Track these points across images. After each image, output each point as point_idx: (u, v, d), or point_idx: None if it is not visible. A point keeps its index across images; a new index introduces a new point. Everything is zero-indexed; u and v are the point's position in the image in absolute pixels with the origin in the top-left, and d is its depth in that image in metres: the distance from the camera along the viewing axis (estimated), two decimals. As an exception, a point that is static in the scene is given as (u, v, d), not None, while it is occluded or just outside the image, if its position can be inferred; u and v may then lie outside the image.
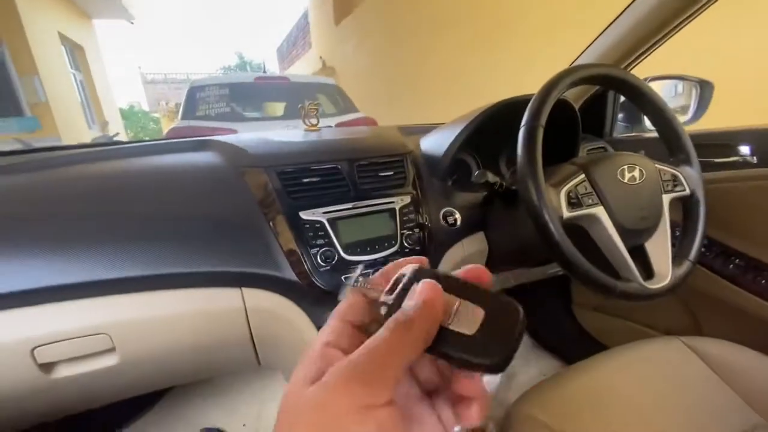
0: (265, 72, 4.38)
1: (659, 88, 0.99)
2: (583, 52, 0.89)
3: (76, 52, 7.37)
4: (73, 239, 0.54)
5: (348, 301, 0.24)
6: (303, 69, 10.15)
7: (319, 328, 0.65)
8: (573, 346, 1.27)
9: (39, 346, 0.54)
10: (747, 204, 0.78)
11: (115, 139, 6.15)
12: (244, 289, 0.61)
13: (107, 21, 8.93)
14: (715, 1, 0.72)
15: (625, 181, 0.60)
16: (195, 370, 0.77)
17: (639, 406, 0.58)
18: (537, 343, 1.38)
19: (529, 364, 1.32)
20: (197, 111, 2.67)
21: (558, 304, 1.28)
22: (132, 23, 8.83)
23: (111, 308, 0.56)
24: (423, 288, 0.21)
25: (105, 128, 7.53)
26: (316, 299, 0.64)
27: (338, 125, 2.70)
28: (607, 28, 0.83)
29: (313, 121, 0.89)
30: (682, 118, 0.95)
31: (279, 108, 3.27)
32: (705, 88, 0.94)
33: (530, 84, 0.65)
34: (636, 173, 0.61)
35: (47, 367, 0.58)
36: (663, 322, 1.00)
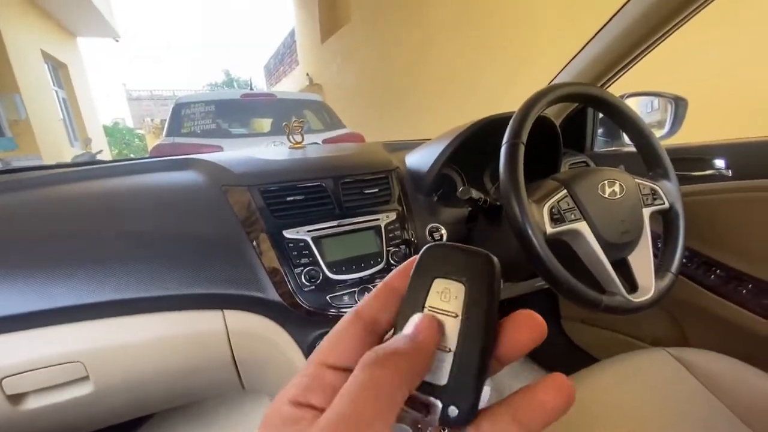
0: (252, 89, 4.40)
1: (636, 104, 1.02)
2: (561, 71, 0.91)
3: (59, 70, 7.30)
4: (45, 263, 0.52)
5: (335, 334, 0.19)
6: (290, 86, 10.22)
7: (304, 349, 0.64)
8: (562, 359, 1.26)
9: (7, 376, 0.52)
10: (725, 216, 0.80)
11: (99, 156, 6.06)
12: (225, 310, 0.60)
13: (92, 39, 8.90)
14: (687, 21, 0.74)
15: (606, 195, 0.61)
16: (174, 396, 0.75)
17: (629, 420, 0.57)
18: (526, 357, 1.38)
19: (519, 378, 1.31)
20: (182, 128, 2.65)
21: (546, 317, 1.27)
22: (117, 41, 8.81)
23: (84, 335, 0.53)
24: (419, 322, 0.17)
25: (88, 145, 7.41)
26: (301, 320, 0.63)
27: (325, 141, 2.71)
28: (584, 47, 0.86)
29: (298, 138, 0.89)
30: (658, 133, 0.97)
31: (266, 124, 3.27)
32: (679, 104, 0.97)
33: (510, 105, 0.66)
34: (616, 188, 0.62)
35: (16, 398, 0.55)
36: (650, 333, 1.01)
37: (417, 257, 0.20)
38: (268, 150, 0.85)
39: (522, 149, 0.56)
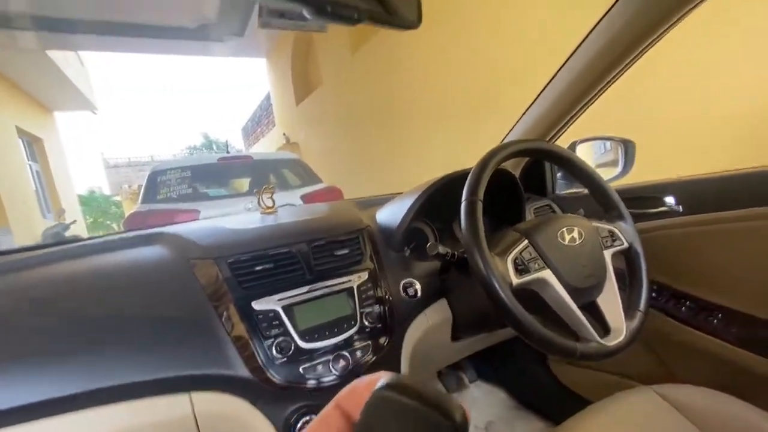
0: (228, 152, 4.49)
1: (590, 147, 1.09)
2: (513, 128, 0.98)
3: (34, 144, 7.32)
4: None
5: None
6: (268, 146, 10.46)
7: (278, 427, 0.60)
8: (553, 402, 1.23)
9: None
10: (685, 249, 0.84)
11: (72, 226, 5.93)
12: (192, 393, 0.56)
13: (69, 113, 9.04)
14: (625, 71, 0.81)
15: (566, 242, 0.63)
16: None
17: None
18: (518, 403, 1.33)
19: (515, 430, 1.26)
20: (158, 194, 2.66)
21: (534, 360, 1.26)
22: (95, 113, 8.97)
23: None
24: None
25: (61, 216, 7.25)
26: (274, 396, 0.60)
27: (303, 196, 2.75)
28: (531, 104, 0.93)
29: (269, 203, 0.90)
30: (613, 172, 1.03)
31: (245, 183, 3.31)
32: (628, 146, 1.05)
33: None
34: (575, 234, 0.64)
35: None
36: (635, 370, 1.00)
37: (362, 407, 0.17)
38: (239, 218, 0.85)
39: (480, 205, 0.59)
